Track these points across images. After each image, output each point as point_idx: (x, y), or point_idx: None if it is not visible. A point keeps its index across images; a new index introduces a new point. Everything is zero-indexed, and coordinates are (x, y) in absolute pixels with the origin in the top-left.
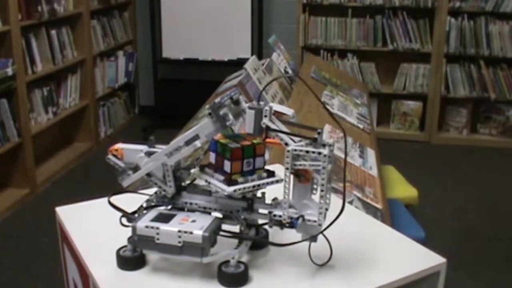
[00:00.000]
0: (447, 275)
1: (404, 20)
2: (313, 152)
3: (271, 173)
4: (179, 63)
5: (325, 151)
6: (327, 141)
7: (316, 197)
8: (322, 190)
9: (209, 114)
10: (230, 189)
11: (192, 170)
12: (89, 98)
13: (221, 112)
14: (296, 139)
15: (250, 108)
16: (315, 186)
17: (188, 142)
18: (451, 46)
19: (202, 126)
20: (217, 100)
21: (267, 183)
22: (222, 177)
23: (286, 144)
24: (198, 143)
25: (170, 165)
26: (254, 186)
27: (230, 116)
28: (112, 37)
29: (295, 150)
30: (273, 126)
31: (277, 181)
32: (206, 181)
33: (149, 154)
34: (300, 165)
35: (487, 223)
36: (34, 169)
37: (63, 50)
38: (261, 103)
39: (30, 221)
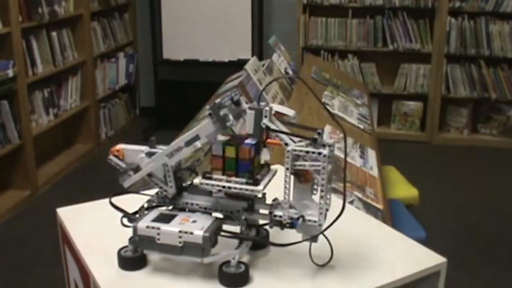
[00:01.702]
0: (448, 275)
1: (404, 21)
2: (313, 153)
3: (256, 181)
4: (179, 64)
5: (325, 151)
6: (327, 141)
7: (316, 197)
8: (322, 191)
9: (210, 114)
10: (198, 180)
11: (197, 180)
12: (90, 100)
13: (221, 113)
14: (296, 139)
15: (250, 108)
16: (315, 187)
17: (188, 143)
18: (451, 46)
19: (202, 127)
20: (217, 100)
21: (240, 189)
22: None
23: (286, 144)
24: (198, 144)
25: (171, 165)
26: (224, 187)
27: (231, 117)
28: (113, 39)
29: (295, 150)
30: (272, 127)
31: (252, 190)
32: (224, 187)
33: (150, 154)
34: (300, 165)
35: (488, 223)
36: (35, 171)
37: (63, 51)
38: (261, 103)
39: (31, 222)
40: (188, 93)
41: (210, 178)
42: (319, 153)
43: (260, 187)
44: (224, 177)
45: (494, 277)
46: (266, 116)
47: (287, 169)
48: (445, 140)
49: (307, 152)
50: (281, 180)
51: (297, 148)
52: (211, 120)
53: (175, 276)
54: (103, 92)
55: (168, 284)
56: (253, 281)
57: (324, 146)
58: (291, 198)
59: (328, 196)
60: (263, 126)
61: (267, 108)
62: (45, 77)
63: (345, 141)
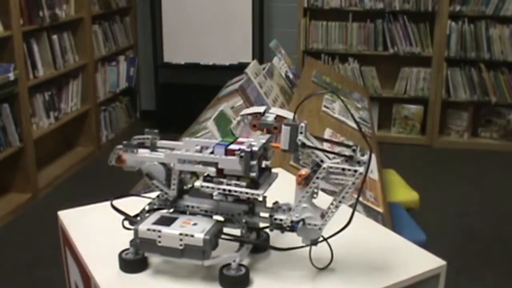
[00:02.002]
0: (448, 278)
1: (405, 24)
2: (349, 170)
3: (256, 185)
4: (180, 67)
5: (361, 169)
6: (362, 158)
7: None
8: (340, 201)
9: (241, 157)
10: (199, 183)
11: (198, 183)
12: (91, 103)
13: (252, 163)
14: (331, 155)
15: (285, 124)
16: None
17: (204, 164)
18: (451, 49)
19: (228, 161)
20: (255, 147)
21: (240, 192)
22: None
23: (322, 161)
24: (213, 171)
25: (181, 170)
26: (224, 190)
27: (256, 170)
28: (114, 42)
29: (331, 167)
30: (308, 143)
31: (252, 194)
32: (224, 190)
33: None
34: (336, 179)
35: (488, 226)
36: (36, 174)
37: (64, 55)
38: (297, 121)
39: (32, 225)
40: (188, 96)
41: (211, 181)
42: (355, 171)
43: (260, 191)
44: (225, 180)
45: (494, 281)
46: (301, 133)
47: (313, 183)
48: (446, 143)
49: (343, 169)
50: (282, 184)
51: (333, 165)
52: (239, 162)
53: (176, 278)
54: (104, 96)
55: (169, 286)
56: (253, 284)
57: (358, 162)
58: (292, 202)
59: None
60: (299, 142)
61: (302, 124)
62: (46, 80)
63: (370, 158)
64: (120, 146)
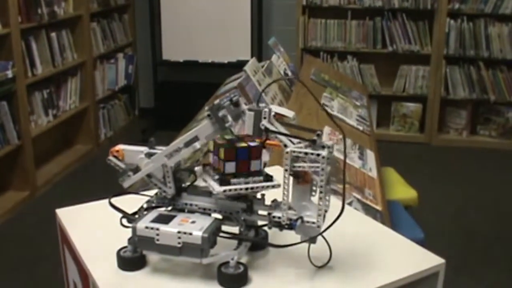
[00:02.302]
0: (447, 276)
1: (404, 22)
2: (312, 154)
3: (269, 177)
4: (179, 65)
5: (324, 152)
6: (326, 143)
7: (315, 198)
8: (321, 192)
9: (208, 115)
10: (220, 189)
11: (196, 168)
12: (89, 101)
13: (220, 114)
14: (295, 140)
15: (249, 110)
16: (314, 188)
17: (187, 144)
18: (450, 47)
19: (201, 128)
20: (216, 101)
21: (261, 187)
22: (216, 176)
23: (285, 146)
24: (197, 145)
25: (170, 166)
26: (247, 189)
27: (229, 118)
28: (112, 40)
29: (294, 151)
30: (272, 128)
31: (272, 186)
32: (203, 179)
33: (149, 155)
34: (299, 166)
35: (487, 224)
36: (34, 172)
37: (63, 52)
38: (261, 104)
39: (30, 223)
40: (187, 94)
41: (228, 183)
42: (318, 155)
43: (219, 188)
44: (242, 179)
45: (493, 278)
46: (265, 118)
47: (285, 170)
48: (444, 141)
49: (306, 153)
50: (280, 181)
51: (296, 149)
52: (210, 121)
53: (174, 276)
54: (103, 93)
55: (167, 284)
56: (252, 281)
57: (323, 147)
58: (290, 199)
59: (327, 198)
60: (262, 127)
61: (266, 109)
62: (45, 78)
63: (345, 143)
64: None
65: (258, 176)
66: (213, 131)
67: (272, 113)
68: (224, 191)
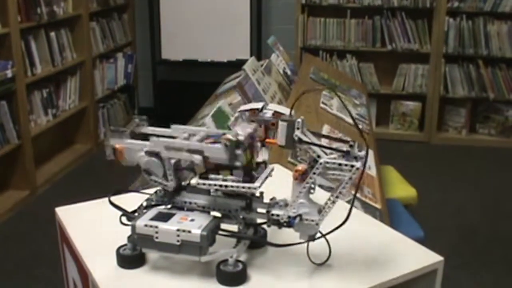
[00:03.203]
0: (445, 274)
1: (403, 21)
2: (346, 165)
3: (252, 177)
4: (178, 64)
5: (358, 164)
6: (359, 154)
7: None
8: (337, 197)
9: (225, 145)
10: (195, 181)
11: (194, 181)
12: (89, 100)
13: (237, 152)
14: (328, 151)
15: (282, 120)
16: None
17: (191, 151)
18: (449, 46)
19: (213, 149)
20: (240, 136)
21: (236, 187)
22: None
23: (319, 156)
24: (199, 159)
25: (168, 157)
26: (221, 186)
27: (242, 160)
28: (111, 39)
29: (328, 162)
30: (305, 139)
31: (248, 188)
32: (220, 186)
33: (150, 154)
34: (333, 174)
35: (486, 223)
36: (34, 171)
37: (62, 52)
38: (293, 116)
39: (30, 222)
40: (186, 93)
41: (206, 178)
42: (352, 166)
43: (256, 184)
44: (220, 176)
45: (492, 277)
46: (298, 128)
47: (310, 178)
48: (444, 140)
49: (340, 164)
50: (279, 179)
51: (330, 160)
52: (225, 151)
53: (173, 274)
54: (102, 93)
55: (166, 282)
56: (250, 279)
57: (356, 158)
58: (289, 197)
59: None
60: (295, 138)
61: (299, 120)
62: (44, 77)
63: (367, 154)
64: (108, 132)
65: (226, 175)
66: (221, 158)
67: (272, 111)
68: (198, 183)
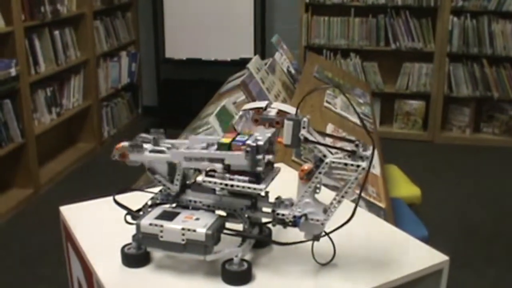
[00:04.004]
0: (450, 273)
1: (407, 20)
2: (352, 165)
3: (259, 178)
4: (182, 63)
5: (364, 164)
6: (365, 154)
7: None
8: (342, 196)
9: (246, 151)
10: (201, 179)
11: (200, 178)
12: (92, 99)
13: (257, 157)
14: (333, 150)
15: (288, 119)
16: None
17: (212, 161)
18: (454, 45)
19: (234, 156)
20: (260, 141)
21: (242, 187)
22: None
23: (324, 156)
24: (220, 167)
25: (188, 168)
26: (226, 185)
27: (263, 165)
28: (115, 38)
29: (334, 162)
30: (311, 138)
31: (254, 189)
32: (226, 185)
33: (153, 152)
34: (339, 174)
35: (490, 222)
36: (38, 170)
37: (66, 50)
38: (299, 115)
39: (34, 221)
40: (190, 92)
41: (213, 176)
42: (358, 166)
43: (262, 185)
44: (227, 175)
45: (497, 276)
46: (304, 127)
47: (316, 177)
48: (448, 139)
49: (346, 164)
50: (284, 178)
51: (335, 160)
52: (245, 157)
53: (178, 273)
54: (106, 91)
55: (171, 281)
56: (255, 279)
57: (361, 158)
58: (294, 197)
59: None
60: (301, 137)
61: (305, 119)
62: (48, 76)
63: (373, 154)
64: (125, 145)
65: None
66: (242, 165)
67: (276, 110)
68: (204, 181)
